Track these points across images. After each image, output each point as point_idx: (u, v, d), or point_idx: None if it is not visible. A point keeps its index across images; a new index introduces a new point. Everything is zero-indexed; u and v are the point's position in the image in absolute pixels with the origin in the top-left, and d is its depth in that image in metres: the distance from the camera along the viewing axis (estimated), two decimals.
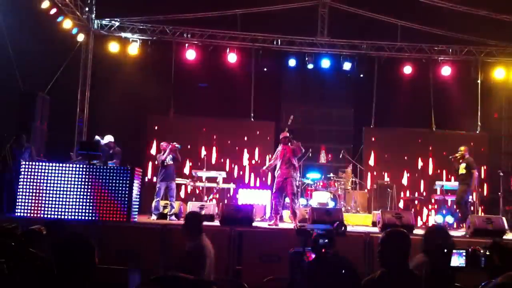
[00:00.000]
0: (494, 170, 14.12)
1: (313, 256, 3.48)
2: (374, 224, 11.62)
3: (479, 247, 2.56)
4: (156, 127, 15.65)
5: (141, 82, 14.94)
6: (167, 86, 15.60)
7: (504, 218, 10.48)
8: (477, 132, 15.82)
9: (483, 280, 3.38)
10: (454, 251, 2.47)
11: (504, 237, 9.77)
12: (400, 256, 3.77)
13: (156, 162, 12.48)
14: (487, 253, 2.55)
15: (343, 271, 2.84)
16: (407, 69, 15.75)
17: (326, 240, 3.47)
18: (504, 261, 2.63)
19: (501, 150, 16.58)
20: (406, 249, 3.82)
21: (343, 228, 4.85)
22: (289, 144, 10.96)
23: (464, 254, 2.50)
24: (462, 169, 11.36)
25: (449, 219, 12.84)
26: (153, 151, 15.19)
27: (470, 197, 11.74)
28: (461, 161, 11.44)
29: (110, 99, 14.84)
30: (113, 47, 15.46)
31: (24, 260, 3.77)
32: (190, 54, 15.61)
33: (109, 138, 11.86)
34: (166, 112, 15.64)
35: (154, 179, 13.38)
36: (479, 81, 15.79)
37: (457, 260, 2.46)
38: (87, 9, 15.13)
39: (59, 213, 9.91)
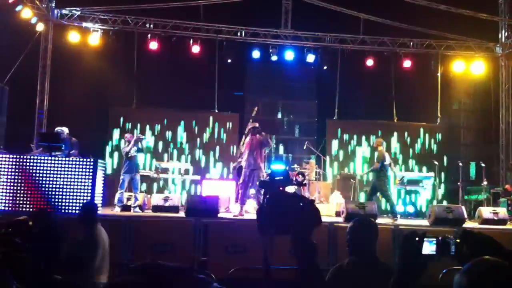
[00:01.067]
0: (454, 161, 14.47)
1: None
2: (337, 214, 11.75)
3: (449, 235, 2.61)
4: (118, 119, 15.39)
5: (102, 73, 14.70)
6: (129, 77, 15.38)
7: (463, 207, 10.74)
8: (437, 123, 16.15)
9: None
10: (425, 239, 2.51)
11: (464, 225, 10.02)
12: (369, 244, 3.88)
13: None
14: (457, 241, 2.61)
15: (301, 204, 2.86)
16: (370, 62, 15.94)
17: (282, 177, 3.50)
18: (473, 249, 2.69)
19: (460, 141, 17.00)
20: (374, 237, 3.93)
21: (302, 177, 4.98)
22: (257, 135, 10.89)
23: (434, 242, 2.55)
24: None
25: (410, 208, 13.13)
26: (115, 142, 14.97)
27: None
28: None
29: (71, 90, 14.50)
30: (74, 37, 15.13)
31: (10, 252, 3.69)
32: (153, 45, 15.42)
33: (64, 130, 11.55)
34: (129, 103, 15.42)
35: (118, 171, 13.17)
36: (439, 74, 16.12)
37: (428, 248, 2.50)
38: None
39: (21, 206, 9.67)
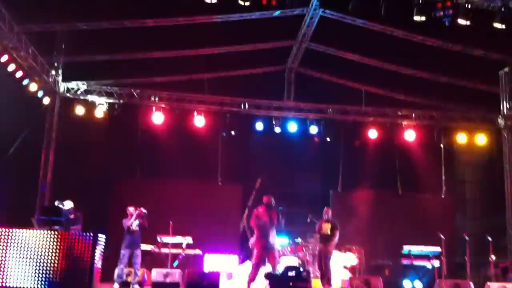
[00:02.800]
0: (460, 234, 14.20)
1: None
2: None
3: None
4: (121, 191, 15.33)
5: (107, 145, 14.78)
6: (133, 149, 15.49)
7: (471, 283, 10.47)
8: (442, 195, 16.00)
9: None
10: None
11: None
12: None
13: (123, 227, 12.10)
14: None
15: None
16: (372, 133, 16.00)
17: (294, 272, 3.55)
18: None
19: (466, 214, 16.76)
20: None
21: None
22: (274, 211, 10.02)
23: None
24: (327, 230, 11.37)
25: (417, 284, 12.78)
26: (118, 216, 14.84)
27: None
28: (327, 222, 11.48)
29: (76, 162, 14.58)
30: (79, 110, 15.39)
31: None
32: (158, 117, 15.60)
33: (69, 204, 11.47)
34: (132, 176, 15.42)
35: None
36: (442, 146, 16.13)
37: None
38: (53, 72, 15.06)
39: (20, 281, 9.49)
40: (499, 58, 14.72)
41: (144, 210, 11.72)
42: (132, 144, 15.49)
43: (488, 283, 11.13)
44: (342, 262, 13.30)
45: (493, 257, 12.69)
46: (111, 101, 15.65)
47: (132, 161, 15.45)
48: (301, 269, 4.52)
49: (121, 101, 15.70)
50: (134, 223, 11.53)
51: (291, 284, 3.59)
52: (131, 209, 11.80)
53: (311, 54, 15.75)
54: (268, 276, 4.68)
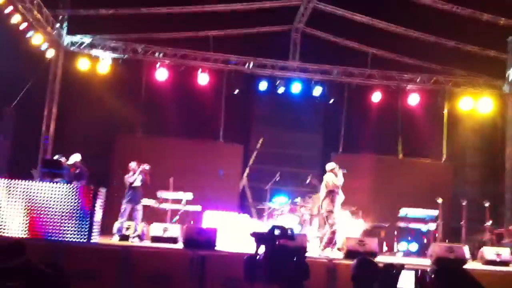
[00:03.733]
0: (458, 199, 14.29)
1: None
2: (338, 250, 11.61)
3: (427, 270, 2.59)
4: (123, 147, 15.42)
5: (110, 101, 14.80)
6: (136, 105, 15.50)
7: (466, 247, 10.59)
8: (442, 161, 16.03)
9: None
10: (403, 271, 2.50)
11: (466, 266, 9.85)
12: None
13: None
14: (432, 276, 2.58)
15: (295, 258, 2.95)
16: (376, 96, 15.92)
17: (279, 231, 3.65)
18: (448, 284, 2.65)
19: (465, 179, 16.83)
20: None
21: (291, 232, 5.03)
22: None
23: (414, 275, 2.54)
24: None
25: (413, 246, 12.94)
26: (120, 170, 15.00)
27: None
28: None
29: (78, 117, 14.61)
30: (83, 64, 15.32)
31: None
32: (161, 74, 15.54)
33: (76, 158, 11.57)
34: (134, 132, 15.50)
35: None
36: (445, 111, 16.06)
37: (406, 281, 2.49)
38: (58, 25, 14.97)
39: (19, 232, 9.70)
40: (507, 24, 14.50)
41: (147, 167, 11.81)
42: (135, 100, 15.50)
43: (483, 248, 11.24)
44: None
45: (489, 223, 12.81)
46: (115, 56, 15.57)
47: (134, 117, 15.48)
48: (287, 228, 4.61)
49: (126, 56, 15.63)
50: (138, 179, 11.65)
51: (277, 242, 3.69)
52: (133, 164, 11.88)
53: (318, 14, 15.55)
54: (253, 234, 4.76)
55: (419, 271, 2.51)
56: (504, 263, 10.67)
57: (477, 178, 16.99)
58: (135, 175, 11.66)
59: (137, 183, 11.69)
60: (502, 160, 15.78)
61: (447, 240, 13.86)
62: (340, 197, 11.07)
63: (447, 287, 2.65)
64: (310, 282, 5.96)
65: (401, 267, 2.53)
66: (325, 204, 10.87)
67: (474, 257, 11.62)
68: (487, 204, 12.87)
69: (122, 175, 11.91)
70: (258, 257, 4.52)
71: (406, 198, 15.41)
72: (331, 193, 10.91)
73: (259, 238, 3.94)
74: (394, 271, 2.55)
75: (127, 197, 11.66)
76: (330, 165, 11.35)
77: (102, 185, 10.97)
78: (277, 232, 3.61)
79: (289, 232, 4.70)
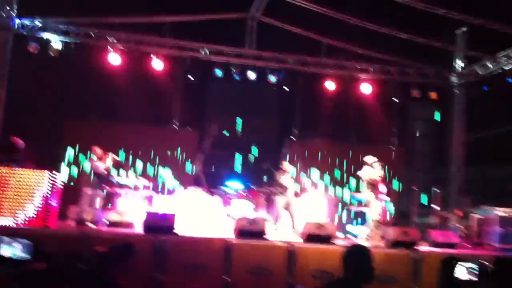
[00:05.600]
0: (409, 185, 14.76)
1: None
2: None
3: (485, 262, 2.69)
4: (74, 133, 15.18)
5: (61, 86, 14.50)
6: (88, 91, 15.23)
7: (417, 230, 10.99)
8: (394, 148, 16.47)
9: None
10: (460, 263, 2.58)
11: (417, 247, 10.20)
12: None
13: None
14: (493, 267, 2.68)
15: None
16: (330, 85, 16.15)
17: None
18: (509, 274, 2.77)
19: (415, 166, 17.35)
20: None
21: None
22: None
23: (470, 267, 2.61)
24: None
25: (361, 228, 13.28)
26: (69, 156, 14.78)
27: None
28: None
29: (27, 101, 14.26)
30: (34, 47, 14.87)
31: None
32: (114, 59, 15.26)
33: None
34: (86, 118, 15.23)
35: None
36: (395, 100, 16.47)
37: (463, 273, 2.56)
38: (8, 8, 14.51)
39: None
40: (458, 18, 14.94)
41: (117, 158, 11.76)
42: (87, 85, 15.20)
43: (430, 230, 11.65)
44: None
45: (436, 207, 13.26)
46: (67, 40, 15.19)
47: (87, 103, 15.22)
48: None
49: (78, 40, 15.28)
50: (100, 166, 11.55)
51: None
52: (98, 150, 11.74)
53: (275, 3, 15.61)
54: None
55: (478, 263, 2.60)
56: (450, 245, 11.08)
57: (426, 165, 17.55)
58: (105, 163, 11.56)
59: (103, 170, 11.60)
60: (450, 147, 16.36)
61: (395, 224, 14.27)
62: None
63: (509, 276, 2.75)
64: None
65: (458, 259, 2.62)
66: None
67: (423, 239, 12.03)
68: (435, 190, 13.31)
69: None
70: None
71: (355, 183, 15.82)
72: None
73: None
74: (454, 262, 2.64)
75: (88, 182, 11.53)
76: (370, 159, 11.86)
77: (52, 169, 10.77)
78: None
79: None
